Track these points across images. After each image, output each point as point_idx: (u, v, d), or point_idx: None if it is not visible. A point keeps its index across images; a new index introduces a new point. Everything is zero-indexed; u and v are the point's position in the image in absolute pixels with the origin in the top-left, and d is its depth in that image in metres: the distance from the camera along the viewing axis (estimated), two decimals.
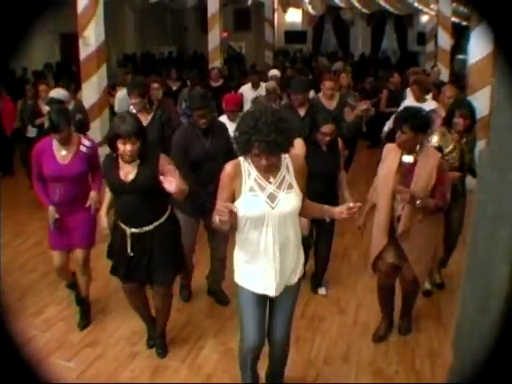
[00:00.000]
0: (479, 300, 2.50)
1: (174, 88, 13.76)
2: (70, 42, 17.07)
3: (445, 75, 17.19)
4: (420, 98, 8.65)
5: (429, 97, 8.98)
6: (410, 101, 8.78)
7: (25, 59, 19.51)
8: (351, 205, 4.18)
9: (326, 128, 6.29)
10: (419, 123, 5.26)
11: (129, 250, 5.18)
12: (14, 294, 6.69)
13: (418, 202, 5.10)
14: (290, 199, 4.12)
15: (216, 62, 18.55)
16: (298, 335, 5.83)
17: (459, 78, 16.52)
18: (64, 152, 5.83)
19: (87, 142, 5.98)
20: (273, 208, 4.07)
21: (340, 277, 7.34)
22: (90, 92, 11.19)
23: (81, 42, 11.18)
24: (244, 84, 12.87)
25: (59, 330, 6.19)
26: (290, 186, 4.13)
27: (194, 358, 5.72)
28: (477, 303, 2.52)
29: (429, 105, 8.26)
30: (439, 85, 10.33)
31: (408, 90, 9.86)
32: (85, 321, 6.22)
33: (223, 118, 7.74)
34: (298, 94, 7.91)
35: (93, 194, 6.02)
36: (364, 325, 6.21)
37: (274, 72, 13.18)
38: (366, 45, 31.37)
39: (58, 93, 8.89)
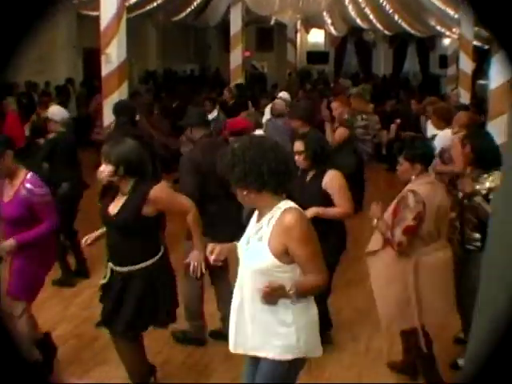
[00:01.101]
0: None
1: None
2: (93, 57, 17.17)
3: (466, 99, 17.16)
4: (440, 128, 8.50)
5: None
6: (430, 130, 8.66)
7: (48, 73, 19.67)
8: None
9: (295, 146, 5.91)
10: (413, 153, 5.07)
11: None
12: None
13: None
14: (255, 253, 3.72)
15: (238, 81, 18.61)
16: (310, 360, 5.78)
17: (480, 102, 16.53)
18: (9, 188, 5.23)
19: (28, 185, 5.15)
20: (245, 251, 3.82)
21: (355, 303, 7.19)
22: (111, 109, 11.21)
23: (103, 58, 11.21)
24: (266, 104, 12.90)
25: (72, 347, 6.18)
26: (261, 239, 3.70)
27: None
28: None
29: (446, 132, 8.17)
30: (460, 108, 10.25)
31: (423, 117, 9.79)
32: None
33: None
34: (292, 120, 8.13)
35: (8, 242, 5.18)
36: (377, 351, 6.12)
37: (284, 94, 12.99)
38: (388, 67, 31.35)
39: (53, 112, 8.44)
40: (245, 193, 3.64)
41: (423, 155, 5.13)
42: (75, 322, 5.90)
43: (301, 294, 3.65)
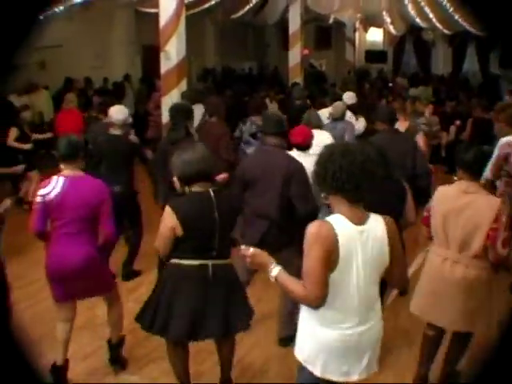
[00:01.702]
0: None
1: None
2: (151, 54, 17.28)
3: None
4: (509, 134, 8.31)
5: None
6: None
7: (106, 69, 19.85)
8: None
9: None
10: (460, 160, 5.14)
11: None
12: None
13: None
14: None
15: (296, 79, 18.58)
16: None
17: None
18: None
19: None
20: None
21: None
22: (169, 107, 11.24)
23: (162, 55, 11.26)
24: (324, 104, 12.74)
25: (126, 342, 6.20)
26: None
27: None
28: None
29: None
30: None
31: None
32: None
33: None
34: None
35: None
36: None
37: (347, 95, 12.75)
38: (447, 66, 30.91)
39: (111, 113, 8.26)
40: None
41: (468, 162, 5.09)
42: (131, 318, 5.88)
43: (280, 284, 3.78)
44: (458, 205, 5.03)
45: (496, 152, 7.64)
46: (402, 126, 9.07)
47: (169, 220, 4.81)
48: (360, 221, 3.74)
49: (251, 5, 21.54)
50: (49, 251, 5.54)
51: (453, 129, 14.64)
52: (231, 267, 5.04)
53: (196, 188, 4.84)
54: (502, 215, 4.90)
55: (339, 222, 3.68)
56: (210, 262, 4.86)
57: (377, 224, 3.81)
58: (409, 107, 12.01)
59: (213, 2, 19.98)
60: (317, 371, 3.90)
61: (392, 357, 6.12)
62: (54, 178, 5.40)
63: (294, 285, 3.70)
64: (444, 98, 19.01)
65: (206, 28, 25.98)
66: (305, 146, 7.03)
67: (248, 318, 5.13)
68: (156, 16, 11.30)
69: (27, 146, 11.74)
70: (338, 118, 9.91)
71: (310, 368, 3.92)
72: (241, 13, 22.57)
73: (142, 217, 8.26)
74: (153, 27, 11.53)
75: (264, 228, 6.02)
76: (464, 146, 5.39)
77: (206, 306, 4.87)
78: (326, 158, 3.72)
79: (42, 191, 5.35)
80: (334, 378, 3.92)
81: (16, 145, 11.50)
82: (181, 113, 7.68)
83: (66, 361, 5.72)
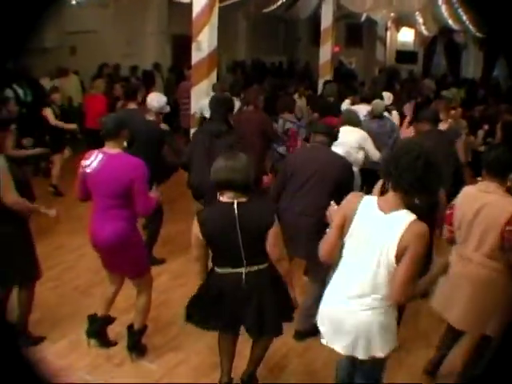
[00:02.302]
0: None
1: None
2: (181, 44, 17.30)
3: None
4: None
5: None
6: None
7: (136, 57, 19.92)
8: None
9: None
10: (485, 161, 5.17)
11: None
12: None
13: None
14: None
15: (326, 76, 18.57)
16: None
17: None
18: None
19: None
20: None
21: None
22: (200, 97, 11.27)
23: (194, 46, 11.30)
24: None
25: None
26: None
27: None
28: None
29: None
30: None
31: None
32: None
33: None
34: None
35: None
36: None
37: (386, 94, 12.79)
38: (478, 70, 30.72)
39: (149, 99, 8.38)
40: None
41: (490, 162, 5.09)
42: (151, 306, 5.96)
43: None
44: (477, 204, 5.03)
45: None
46: (442, 127, 9.00)
47: (195, 230, 4.89)
48: (385, 209, 4.01)
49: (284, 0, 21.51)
50: (88, 223, 5.77)
51: (481, 133, 14.53)
52: (267, 271, 4.99)
53: (224, 197, 4.85)
54: None
55: (366, 201, 4.12)
56: (243, 270, 4.89)
57: (400, 221, 3.95)
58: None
59: None
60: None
61: (411, 357, 6.12)
62: (95, 152, 5.59)
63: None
64: (472, 102, 18.91)
65: (238, 20, 25.95)
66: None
67: (280, 321, 5.13)
68: (187, 6, 11.37)
69: (72, 126, 11.67)
70: (377, 116, 9.89)
71: None
72: (273, 7, 22.51)
73: (165, 205, 8.26)
74: (184, 17, 11.60)
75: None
76: (490, 147, 5.40)
77: (242, 310, 4.94)
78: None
79: (83, 162, 5.60)
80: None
81: (61, 124, 11.38)
82: (223, 105, 7.67)
83: (107, 316, 6.08)
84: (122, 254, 5.68)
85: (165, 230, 8.42)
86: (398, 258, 3.91)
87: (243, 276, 4.88)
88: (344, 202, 4.26)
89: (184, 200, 9.43)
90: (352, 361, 4.54)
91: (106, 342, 6.13)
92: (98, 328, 6.03)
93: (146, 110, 8.30)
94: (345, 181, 6.22)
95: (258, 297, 4.92)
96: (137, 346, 6.02)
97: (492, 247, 4.98)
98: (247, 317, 4.95)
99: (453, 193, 5.76)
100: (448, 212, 5.39)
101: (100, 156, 5.54)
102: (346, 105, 11.94)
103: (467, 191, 5.26)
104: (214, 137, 7.28)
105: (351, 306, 4.14)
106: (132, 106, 8.49)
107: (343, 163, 6.36)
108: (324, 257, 4.35)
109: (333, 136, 6.57)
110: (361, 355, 4.24)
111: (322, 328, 4.44)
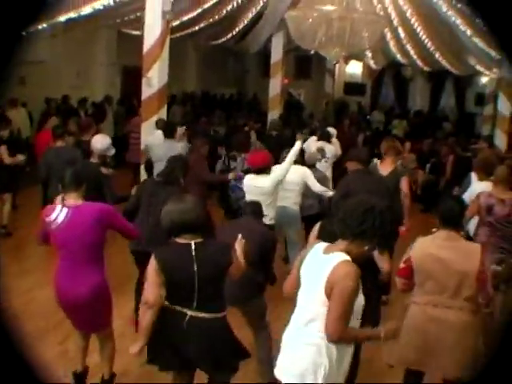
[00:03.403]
0: None
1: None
2: (131, 75, 17.27)
3: (503, 141, 17.02)
4: (482, 180, 8.44)
5: None
6: (476, 185, 8.43)
7: (86, 89, 19.79)
8: None
9: None
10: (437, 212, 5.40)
11: None
12: None
13: None
14: None
15: (276, 109, 18.66)
16: None
17: None
18: None
19: None
20: None
21: None
22: (150, 132, 11.20)
23: (144, 81, 11.26)
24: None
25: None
26: None
27: None
28: None
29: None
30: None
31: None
32: None
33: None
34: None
35: None
36: None
37: (331, 130, 13.20)
38: (424, 101, 31.16)
39: (100, 142, 8.37)
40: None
41: (447, 214, 5.27)
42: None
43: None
44: (443, 254, 5.12)
45: (472, 199, 7.69)
46: (386, 167, 9.01)
47: (152, 269, 4.81)
48: (327, 252, 4.22)
49: (235, 32, 21.57)
50: (54, 280, 5.59)
51: (429, 167, 14.75)
52: (216, 321, 4.91)
53: (180, 239, 4.80)
54: (484, 259, 5.10)
55: (317, 247, 4.37)
56: (189, 312, 4.82)
57: (331, 261, 4.12)
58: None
59: (196, 28, 19.98)
60: None
61: None
62: (58, 206, 5.45)
63: None
64: (421, 135, 19.17)
65: (188, 52, 26.00)
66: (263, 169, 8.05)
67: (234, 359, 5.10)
68: (138, 37, 11.33)
69: (21, 158, 11.06)
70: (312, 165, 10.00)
71: None
72: (223, 39, 22.58)
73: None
74: (134, 48, 11.52)
75: None
76: (443, 198, 5.51)
77: (186, 348, 4.88)
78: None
79: (46, 218, 5.43)
80: None
81: (11, 160, 10.81)
82: (182, 169, 7.55)
83: (86, 368, 6.01)
84: (92, 308, 5.53)
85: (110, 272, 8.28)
86: (328, 296, 4.05)
87: (187, 318, 4.81)
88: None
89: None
90: None
91: None
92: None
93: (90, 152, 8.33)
94: (267, 251, 6.34)
95: (197, 345, 4.84)
96: None
97: (472, 291, 5.11)
98: (196, 356, 4.89)
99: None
100: (402, 266, 5.40)
101: (64, 211, 5.39)
102: (312, 142, 12.04)
103: (426, 242, 5.30)
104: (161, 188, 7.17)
105: (296, 342, 4.30)
106: (59, 143, 8.51)
107: (265, 237, 6.42)
108: (285, 294, 4.62)
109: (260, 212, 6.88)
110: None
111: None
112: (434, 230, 5.40)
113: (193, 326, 4.81)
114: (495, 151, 12.00)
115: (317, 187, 8.94)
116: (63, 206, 5.44)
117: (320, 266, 4.16)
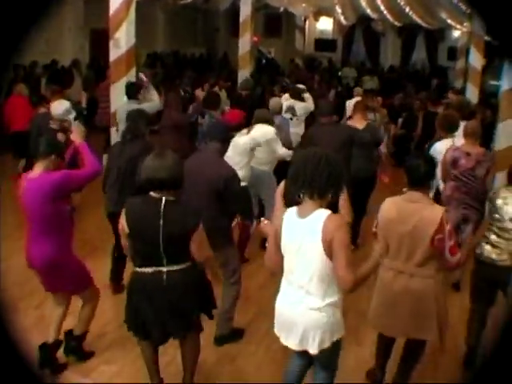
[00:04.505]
0: None
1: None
2: (100, 38, 17.06)
3: (474, 95, 17.04)
4: (443, 138, 8.39)
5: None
6: (438, 144, 8.37)
7: (54, 55, 19.53)
8: None
9: None
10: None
11: None
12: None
13: None
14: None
15: (246, 67, 18.53)
16: None
17: (488, 97, 16.50)
18: None
19: None
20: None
21: (359, 306, 6.57)
22: (119, 94, 11.05)
23: (111, 43, 11.11)
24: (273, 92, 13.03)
25: None
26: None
27: None
28: None
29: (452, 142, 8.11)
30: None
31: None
32: None
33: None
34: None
35: None
36: None
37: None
38: (396, 57, 31.16)
39: (58, 108, 8.57)
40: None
41: (413, 173, 5.15)
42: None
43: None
44: (403, 215, 5.03)
45: (441, 157, 7.63)
46: (360, 122, 9.08)
47: (123, 220, 4.87)
48: (303, 215, 4.25)
49: None
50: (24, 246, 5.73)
51: (401, 122, 14.75)
52: (190, 270, 4.96)
53: (153, 193, 4.79)
54: (445, 224, 4.91)
55: (288, 213, 4.38)
56: (164, 269, 4.84)
57: (317, 220, 4.19)
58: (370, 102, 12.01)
59: None
60: None
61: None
62: (24, 176, 5.60)
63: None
64: (392, 91, 19.19)
65: (156, 13, 25.73)
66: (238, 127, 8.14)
67: (188, 325, 5.12)
68: (104, 0, 11.13)
69: None
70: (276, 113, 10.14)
71: None
72: None
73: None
74: (102, 11, 11.33)
75: None
76: (411, 156, 5.45)
77: (163, 312, 4.91)
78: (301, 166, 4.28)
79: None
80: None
81: None
82: (140, 120, 7.45)
83: (57, 340, 5.90)
84: (54, 274, 5.61)
85: (88, 235, 8.26)
86: (328, 252, 4.11)
87: (164, 275, 4.84)
88: (273, 218, 4.64)
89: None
90: (304, 356, 4.71)
91: (83, 356, 6.06)
92: (50, 356, 5.83)
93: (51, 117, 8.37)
94: (230, 191, 6.14)
95: (178, 296, 4.88)
96: (75, 350, 5.97)
97: (423, 256, 5.00)
98: (169, 318, 4.92)
99: None
100: (374, 230, 5.33)
101: (24, 183, 5.50)
102: (284, 100, 12.00)
103: (391, 203, 5.20)
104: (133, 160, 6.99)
105: (298, 308, 4.36)
106: (42, 110, 8.44)
107: (226, 175, 6.18)
108: (270, 269, 4.74)
109: (226, 142, 6.58)
110: (312, 350, 4.40)
111: (276, 328, 4.63)
112: (404, 189, 5.29)
113: (172, 281, 4.86)
114: (465, 101, 11.98)
115: (280, 151, 8.76)
116: (26, 176, 5.56)
117: (305, 229, 4.22)
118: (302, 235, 4.21)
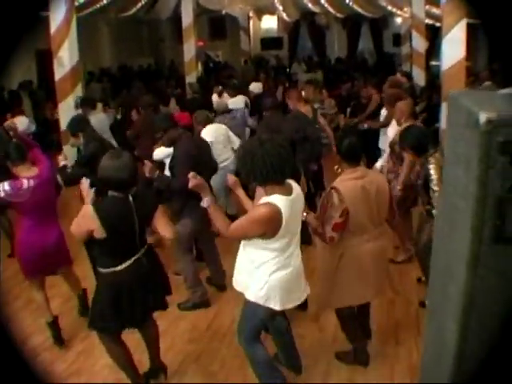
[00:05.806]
0: (435, 350, 2.51)
1: None
2: (45, 58, 16.97)
3: (421, 77, 17.28)
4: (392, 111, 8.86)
5: None
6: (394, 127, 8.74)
7: (3, 78, 19.36)
8: None
9: None
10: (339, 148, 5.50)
11: None
12: None
13: None
14: None
15: (193, 73, 18.63)
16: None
17: (433, 79, 16.71)
18: None
19: None
20: None
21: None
22: (66, 113, 11.05)
23: (55, 62, 11.12)
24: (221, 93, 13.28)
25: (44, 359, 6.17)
26: None
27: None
28: (434, 352, 2.53)
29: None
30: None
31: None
32: None
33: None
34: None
35: None
36: (343, 341, 5.98)
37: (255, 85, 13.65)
38: (343, 48, 31.39)
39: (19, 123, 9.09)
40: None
41: (347, 152, 5.34)
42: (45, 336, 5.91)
43: (211, 213, 4.80)
44: (366, 191, 5.21)
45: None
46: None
47: (88, 222, 4.84)
48: (289, 193, 4.61)
49: (143, 1, 21.40)
50: (23, 238, 6.25)
51: (349, 111, 14.91)
52: (151, 249, 5.31)
53: (114, 193, 4.91)
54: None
55: (280, 200, 4.48)
56: (140, 254, 5.08)
57: (298, 192, 4.75)
58: (309, 93, 12.13)
59: (105, 1, 19.76)
60: (277, 306, 4.76)
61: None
62: (24, 180, 5.97)
63: (221, 218, 4.79)
64: (337, 82, 19.41)
65: (99, 27, 25.64)
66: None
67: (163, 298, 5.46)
68: (46, 19, 11.11)
69: None
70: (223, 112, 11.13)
71: (270, 305, 4.74)
72: (133, 10, 22.38)
73: None
74: (45, 31, 11.34)
75: None
76: (341, 136, 5.66)
77: (144, 295, 5.14)
78: (251, 156, 4.47)
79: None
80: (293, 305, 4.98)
81: None
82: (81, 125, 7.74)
83: (55, 317, 6.53)
84: (60, 249, 6.46)
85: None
86: None
87: (143, 259, 5.09)
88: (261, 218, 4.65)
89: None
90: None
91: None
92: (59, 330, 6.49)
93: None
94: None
95: (153, 271, 5.19)
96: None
97: (384, 218, 5.57)
98: (151, 294, 5.19)
99: None
100: (339, 220, 5.16)
101: (30, 181, 6.01)
102: (214, 98, 12.45)
103: (349, 187, 5.20)
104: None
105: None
106: None
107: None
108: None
109: None
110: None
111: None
112: (336, 167, 5.51)
113: (148, 260, 5.15)
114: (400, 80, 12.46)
115: (237, 144, 9.40)
116: (26, 178, 5.99)
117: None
118: (297, 208, 4.75)
